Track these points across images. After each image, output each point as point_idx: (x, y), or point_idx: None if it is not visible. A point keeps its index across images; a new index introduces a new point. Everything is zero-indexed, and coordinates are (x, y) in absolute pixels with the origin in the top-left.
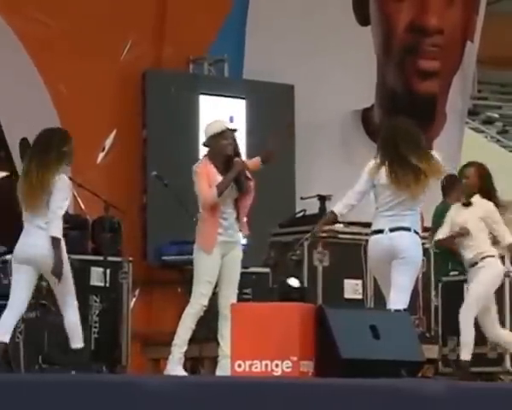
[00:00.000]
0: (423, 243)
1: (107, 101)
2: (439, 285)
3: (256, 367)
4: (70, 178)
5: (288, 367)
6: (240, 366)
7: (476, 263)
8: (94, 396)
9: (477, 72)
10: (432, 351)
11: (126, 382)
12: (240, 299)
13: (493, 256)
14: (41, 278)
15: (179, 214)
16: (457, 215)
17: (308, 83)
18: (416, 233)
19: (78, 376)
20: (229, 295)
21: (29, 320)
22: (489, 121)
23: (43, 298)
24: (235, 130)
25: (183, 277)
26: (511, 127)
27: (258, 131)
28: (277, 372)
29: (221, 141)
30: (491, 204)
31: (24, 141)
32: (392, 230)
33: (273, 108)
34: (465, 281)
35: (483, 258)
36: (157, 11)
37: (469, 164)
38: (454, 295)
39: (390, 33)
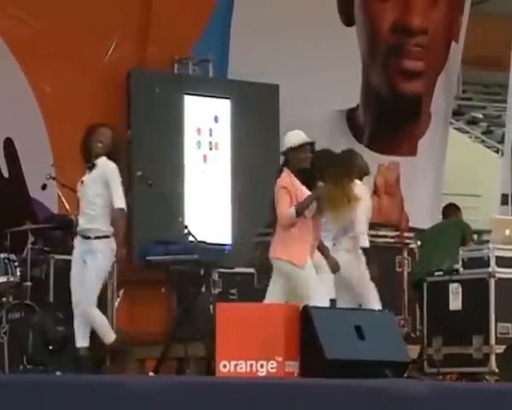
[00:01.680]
0: (408, 243)
1: (92, 101)
2: (425, 285)
3: (241, 368)
4: (54, 179)
5: (273, 368)
6: (225, 366)
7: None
8: (79, 397)
9: (461, 72)
10: (416, 351)
11: (112, 382)
12: (225, 299)
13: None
14: (25, 279)
15: (164, 214)
16: None
17: (293, 83)
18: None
19: (63, 376)
20: None
21: (14, 321)
22: (473, 121)
23: (28, 299)
24: (313, 143)
25: (168, 277)
26: (495, 127)
27: (242, 130)
28: (262, 373)
29: (300, 154)
30: (112, 165)
31: (8, 141)
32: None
33: (258, 108)
34: (451, 281)
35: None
36: (142, 11)
37: (105, 125)
38: (439, 295)
39: (374, 34)
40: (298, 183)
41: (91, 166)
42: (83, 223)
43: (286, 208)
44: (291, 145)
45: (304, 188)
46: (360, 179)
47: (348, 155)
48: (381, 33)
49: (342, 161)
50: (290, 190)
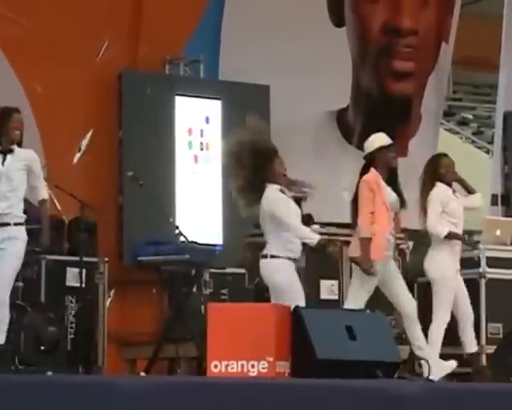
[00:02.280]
0: (399, 244)
1: (84, 101)
2: (415, 286)
3: (232, 368)
4: (45, 179)
5: (264, 368)
6: (216, 366)
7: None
8: (70, 397)
9: (452, 73)
10: (407, 351)
11: (102, 382)
12: (216, 299)
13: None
14: (16, 279)
15: (155, 215)
16: None
17: (283, 83)
18: (273, 257)
19: (55, 376)
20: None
21: None
22: (464, 122)
23: (19, 299)
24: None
25: (160, 277)
26: (486, 128)
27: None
28: (253, 373)
29: (389, 154)
30: (34, 154)
31: None
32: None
33: (248, 109)
34: None
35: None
36: (133, 11)
37: (17, 111)
38: (430, 296)
39: (365, 35)
40: (383, 183)
41: (8, 151)
42: (3, 208)
43: (366, 217)
44: (380, 145)
45: (389, 188)
46: (449, 185)
47: (431, 160)
48: (371, 34)
49: (426, 167)
50: (373, 187)
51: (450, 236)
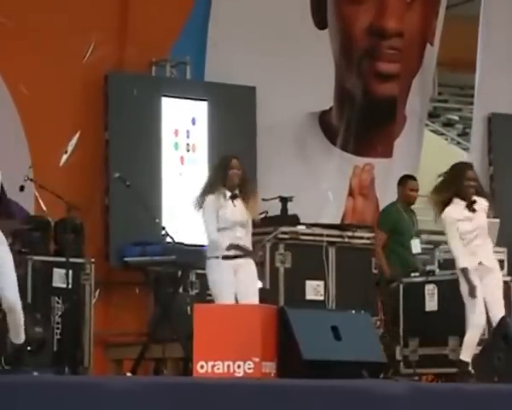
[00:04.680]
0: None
1: (70, 103)
2: (400, 287)
3: (218, 368)
4: (31, 180)
5: (249, 368)
6: (202, 367)
7: None
8: (58, 397)
9: (437, 74)
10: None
11: (89, 383)
12: (202, 300)
13: None
14: None
15: (141, 216)
16: None
17: (269, 85)
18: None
19: (41, 377)
20: None
21: None
22: (449, 123)
23: None
24: None
25: (146, 278)
26: (471, 129)
27: (219, 132)
28: (239, 373)
29: None
30: None
31: None
32: None
33: (235, 110)
34: (427, 282)
35: None
36: (119, 13)
37: None
38: (415, 297)
39: (348, 36)
40: None
41: None
42: None
43: None
44: None
45: None
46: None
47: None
48: (354, 36)
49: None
50: None
51: None
